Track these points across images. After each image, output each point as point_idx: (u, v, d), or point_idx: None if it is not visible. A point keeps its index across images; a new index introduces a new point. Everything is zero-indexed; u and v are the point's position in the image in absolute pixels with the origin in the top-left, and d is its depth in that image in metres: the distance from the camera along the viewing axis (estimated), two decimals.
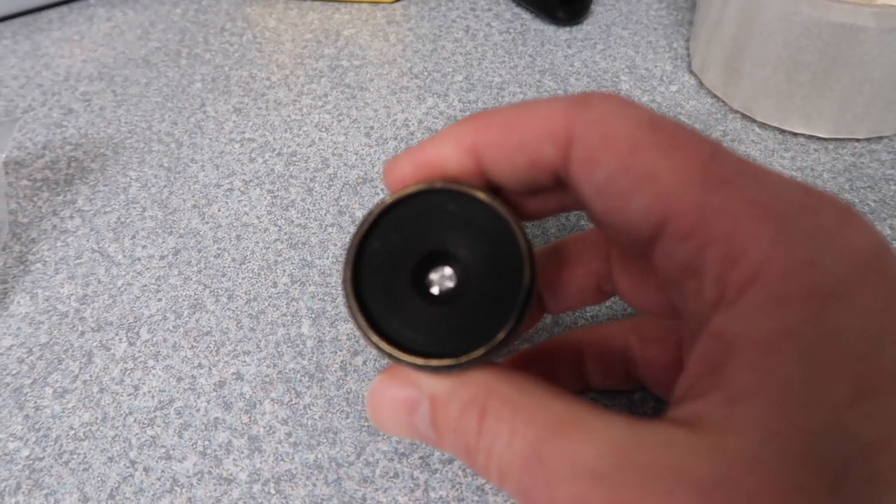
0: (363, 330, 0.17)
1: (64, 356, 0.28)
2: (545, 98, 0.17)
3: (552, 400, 0.15)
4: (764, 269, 0.13)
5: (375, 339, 0.17)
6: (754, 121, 0.36)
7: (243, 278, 0.30)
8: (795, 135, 0.35)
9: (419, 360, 0.16)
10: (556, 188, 0.17)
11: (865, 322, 0.13)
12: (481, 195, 0.17)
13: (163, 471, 0.25)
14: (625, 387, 0.24)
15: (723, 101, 0.37)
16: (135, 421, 0.26)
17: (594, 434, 0.14)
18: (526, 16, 0.44)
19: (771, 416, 0.12)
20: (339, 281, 0.30)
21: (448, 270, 0.17)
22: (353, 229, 0.32)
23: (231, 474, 0.24)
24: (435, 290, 0.17)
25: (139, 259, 0.31)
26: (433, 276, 0.17)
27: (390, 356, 0.17)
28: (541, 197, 0.18)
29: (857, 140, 0.34)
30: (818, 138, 0.35)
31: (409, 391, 0.17)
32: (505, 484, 0.15)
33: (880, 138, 0.34)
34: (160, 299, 0.30)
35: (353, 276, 0.17)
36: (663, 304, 0.20)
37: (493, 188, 0.18)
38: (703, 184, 0.14)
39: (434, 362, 0.16)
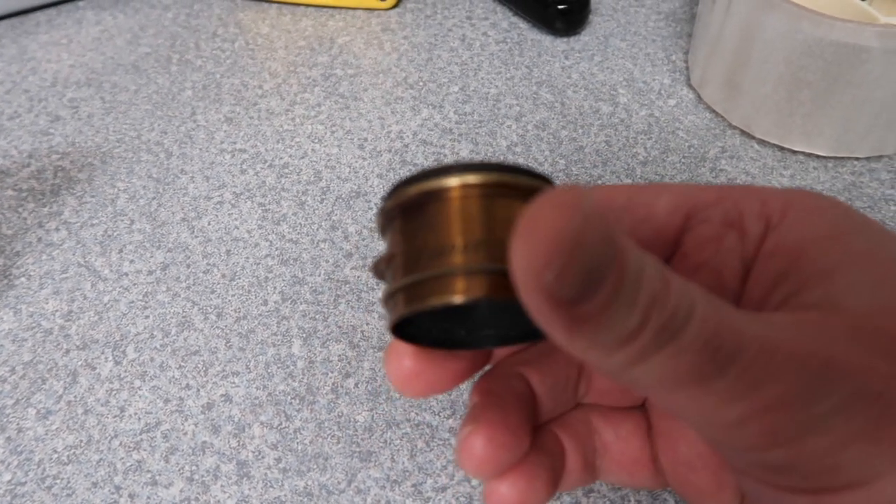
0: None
1: (48, 375, 0.27)
2: None
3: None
4: (794, 199, 0.17)
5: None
6: (753, 137, 0.35)
7: (233, 295, 0.30)
8: (795, 152, 0.34)
9: None
10: None
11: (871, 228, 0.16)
12: None
13: (148, 497, 0.24)
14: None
15: (722, 117, 0.36)
16: (120, 444, 0.25)
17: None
18: (523, 25, 0.43)
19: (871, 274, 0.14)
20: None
21: None
22: (345, 245, 0.31)
23: (219, 501, 0.24)
24: None
25: (126, 274, 0.31)
26: None
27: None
28: None
29: (857, 159, 0.34)
30: (818, 156, 0.34)
31: None
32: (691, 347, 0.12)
33: (880, 157, 0.34)
34: (147, 316, 0.29)
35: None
36: (625, 393, 0.19)
37: None
38: (708, 185, 0.18)
39: None
